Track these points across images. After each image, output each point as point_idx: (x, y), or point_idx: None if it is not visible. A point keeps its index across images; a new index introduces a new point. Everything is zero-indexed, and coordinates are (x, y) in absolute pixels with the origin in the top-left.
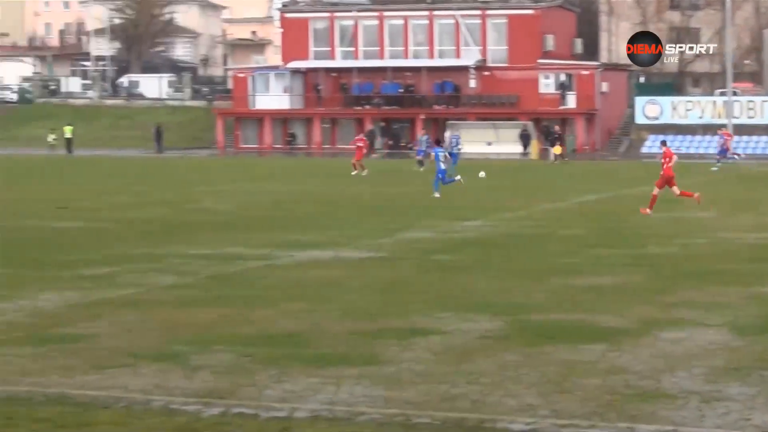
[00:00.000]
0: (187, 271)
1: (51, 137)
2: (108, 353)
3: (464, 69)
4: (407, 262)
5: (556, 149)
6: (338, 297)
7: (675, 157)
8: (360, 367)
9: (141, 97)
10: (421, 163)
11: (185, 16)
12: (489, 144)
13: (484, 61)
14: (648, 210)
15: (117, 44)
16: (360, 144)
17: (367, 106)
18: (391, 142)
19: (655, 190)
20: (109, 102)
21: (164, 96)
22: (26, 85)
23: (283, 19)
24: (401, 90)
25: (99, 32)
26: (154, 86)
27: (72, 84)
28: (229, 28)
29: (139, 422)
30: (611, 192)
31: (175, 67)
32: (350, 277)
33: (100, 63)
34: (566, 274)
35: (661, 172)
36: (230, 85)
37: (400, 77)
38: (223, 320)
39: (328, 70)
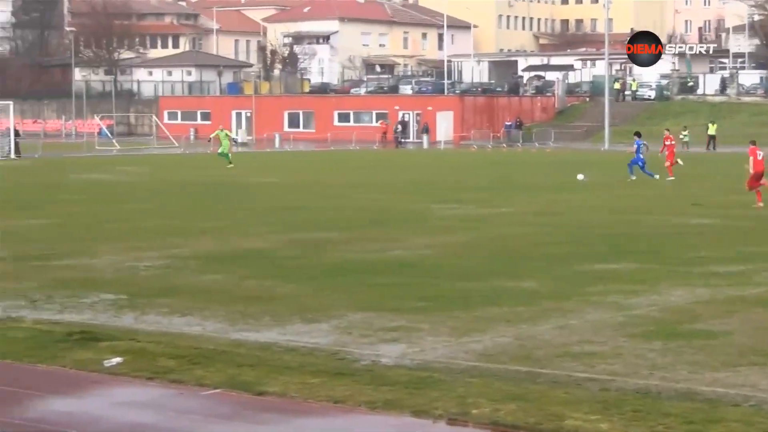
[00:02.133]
0: None
1: (683, 134)
2: (738, 351)
3: None
4: None
5: None
6: None
7: (760, 153)
8: None
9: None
10: None
11: None
12: None
13: None
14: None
15: (756, 41)
16: (667, 143)
17: None
18: None
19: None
20: (747, 99)
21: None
22: (664, 82)
23: None
24: None
25: (738, 29)
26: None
27: (709, 81)
28: None
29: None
30: None
31: None
32: None
33: (739, 60)
34: None
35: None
36: None
37: None
38: None
39: None
